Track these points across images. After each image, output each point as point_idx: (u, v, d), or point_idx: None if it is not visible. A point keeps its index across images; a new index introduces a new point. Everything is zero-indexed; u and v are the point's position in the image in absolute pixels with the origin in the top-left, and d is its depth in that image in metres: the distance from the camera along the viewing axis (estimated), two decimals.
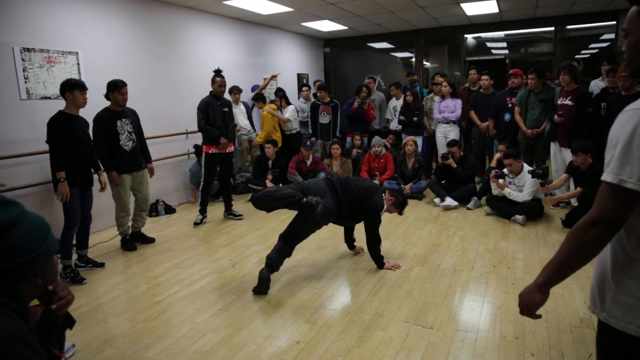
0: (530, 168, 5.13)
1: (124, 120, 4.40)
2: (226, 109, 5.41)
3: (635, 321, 1.15)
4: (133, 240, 4.66)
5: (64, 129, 3.78)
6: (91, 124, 4.20)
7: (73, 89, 3.79)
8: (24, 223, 1.16)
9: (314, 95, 7.89)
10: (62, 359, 1.28)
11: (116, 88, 4.27)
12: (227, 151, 5.45)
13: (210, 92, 5.31)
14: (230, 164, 5.63)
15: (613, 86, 4.84)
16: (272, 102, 7.45)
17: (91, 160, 4.07)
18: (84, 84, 3.89)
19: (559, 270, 1.25)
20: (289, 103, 7.34)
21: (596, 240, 1.14)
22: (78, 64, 4.99)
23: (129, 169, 4.47)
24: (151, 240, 4.82)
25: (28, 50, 4.49)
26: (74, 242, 4.06)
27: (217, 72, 5.30)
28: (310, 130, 7.41)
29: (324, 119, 7.21)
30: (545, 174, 4.76)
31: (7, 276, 1.13)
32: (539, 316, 1.37)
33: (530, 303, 1.32)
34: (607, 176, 1.12)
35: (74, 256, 4.04)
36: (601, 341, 1.28)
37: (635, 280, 1.15)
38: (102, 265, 4.15)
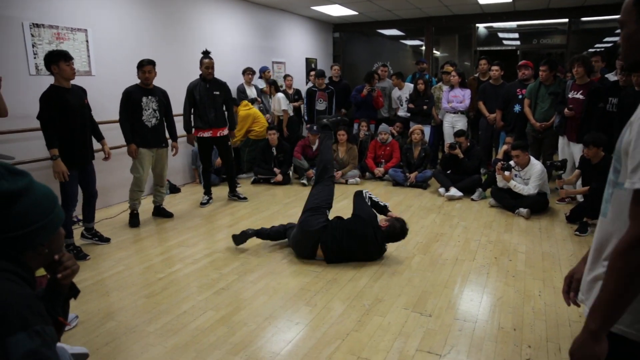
0: (538, 161, 5.11)
1: (150, 97, 4.57)
2: (217, 92, 5.26)
3: (634, 325, 1.11)
4: (137, 217, 4.73)
5: (56, 103, 3.65)
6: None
7: (57, 60, 3.62)
8: (32, 193, 1.18)
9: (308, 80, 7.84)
10: (66, 326, 1.31)
11: (140, 66, 4.49)
12: (220, 135, 5.35)
13: (200, 74, 5.23)
14: (227, 146, 5.51)
15: (626, 84, 4.76)
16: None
17: (90, 132, 4.01)
18: (67, 53, 3.71)
19: (613, 306, 1.06)
20: (278, 91, 7.29)
21: None
22: (87, 41, 4.98)
23: (149, 144, 4.60)
24: (170, 215, 4.97)
25: (37, 25, 4.48)
26: (80, 217, 4.10)
27: (205, 53, 5.19)
28: (306, 117, 7.36)
29: (320, 105, 7.17)
30: (563, 166, 4.74)
31: (15, 245, 1.15)
32: None
33: (590, 358, 1.09)
34: (635, 184, 1.01)
35: (77, 232, 4.09)
36: None
37: None
38: (107, 240, 4.21)
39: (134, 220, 4.68)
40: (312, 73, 7.95)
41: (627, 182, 1.05)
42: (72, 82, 3.81)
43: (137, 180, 4.62)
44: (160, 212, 4.98)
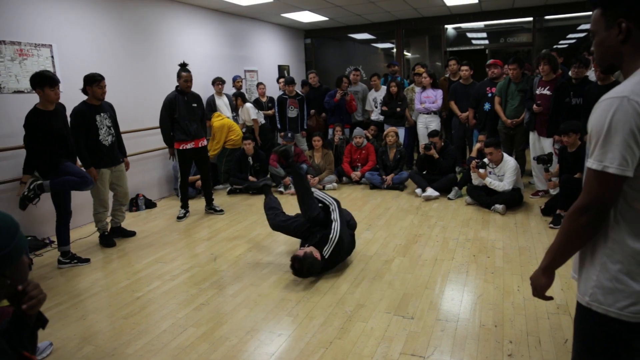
0: (511, 157, 5.20)
1: (102, 114, 4.33)
2: (194, 104, 5.22)
3: (616, 304, 1.22)
4: (112, 236, 4.59)
5: (38, 127, 3.65)
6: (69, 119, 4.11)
7: (43, 85, 3.61)
8: None
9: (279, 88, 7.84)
10: None
11: (94, 82, 4.18)
12: (201, 145, 5.32)
13: (177, 87, 5.15)
14: (206, 158, 5.49)
15: (576, 77, 4.91)
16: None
17: (73, 153, 3.99)
18: (52, 78, 3.67)
19: (557, 255, 1.33)
20: (245, 101, 7.27)
21: (587, 225, 1.22)
22: (52, 56, 4.86)
23: (108, 164, 4.41)
24: (132, 234, 4.78)
25: None
26: (54, 239, 3.99)
27: (183, 66, 5.12)
28: (278, 125, 7.34)
29: (292, 112, 7.16)
30: (549, 159, 4.84)
31: None
32: (550, 298, 1.47)
33: (538, 286, 1.42)
34: (592, 164, 1.19)
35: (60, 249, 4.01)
36: (581, 325, 1.33)
37: (617, 264, 1.21)
38: (87, 260, 4.09)
39: (107, 241, 4.52)
40: (282, 80, 7.92)
41: (587, 162, 1.23)
42: None
43: (100, 201, 4.42)
44: (122, 233, 4.74)
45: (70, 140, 3.97)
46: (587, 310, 1.28)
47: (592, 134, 1.21)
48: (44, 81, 3.62)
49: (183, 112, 5.12)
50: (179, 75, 5.09)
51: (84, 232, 4.88)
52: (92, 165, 4.25)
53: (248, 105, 7.22)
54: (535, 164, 5.26)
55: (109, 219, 4.61)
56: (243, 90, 7.73)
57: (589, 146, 1.25)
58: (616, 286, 1.22)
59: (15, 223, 1.21)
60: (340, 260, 3.68)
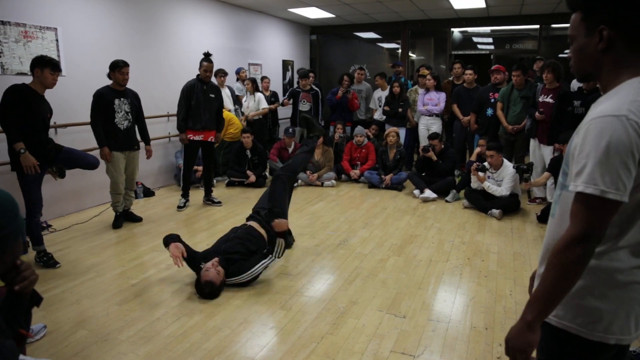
0: (510, 163, 5.23)
1: (122, 99, 4.49)
2: (212, 95, 5.29)
3: (575, 319, 1.18)
4: (121, 218, 4.69)
5: (22, 102, 3.44)
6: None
7: (44, 66, 3.54)
8: None
9: (297, 82, 7.82)
10: (28, 338, 1.26)
11: (117, 67, 4.38)
12: (209, 139, 5.34)
13: (198, 75, 5.22)
14: (212, 150, 5.56)
15: (587, 88, 4.92)
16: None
17: (47, 146, 3.71)
18: (57, 64, 3.65)
19: (548, 300, 1.13)
20: (256, 90, 7.27)
21: (583, 258, 1.07)
22: (57, 40, 4.85)
23: (121, 147, 4.53)
24: (139, 220, 4.86)
25: (3, 23, 4.35)
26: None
27: (206, 56, 5.17)
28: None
29: (304, 106, 7.16)
30: (529, 169, 4.86)
31: None
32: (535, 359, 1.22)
33: (523, 346, 1.16)
34: (585, 188, 1.05)
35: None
36: (544, 342, 1.24)
37: (581, 281, 1.15)
38: (56, 265, 3.70)
39: (116, 222, 4.66)
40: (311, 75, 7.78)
41: (571, 185, 1.10)
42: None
43: (113, 184, 4.57)
44: (129, 217, 4.85)
45: (46, 134, 3.73)
46: (546, 325, 1.21)
47: (580, 153, 1.08)
48: (49, 63, 3.58)
49: (200, 100, 5.18)
50: (200, 64, 5.17)
51: (83, 217, 4.90)
52: (106, 145, 4.38)
53: (260, 95, 7.23)
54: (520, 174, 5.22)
55: (103, 207, 4.68)
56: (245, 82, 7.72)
57: (570, 165, 1.14)
58: (576, 302, 1.17)
59: (16, 203, 1.22)
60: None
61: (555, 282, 1.10)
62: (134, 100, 4.63)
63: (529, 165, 4.91)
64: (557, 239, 1.14)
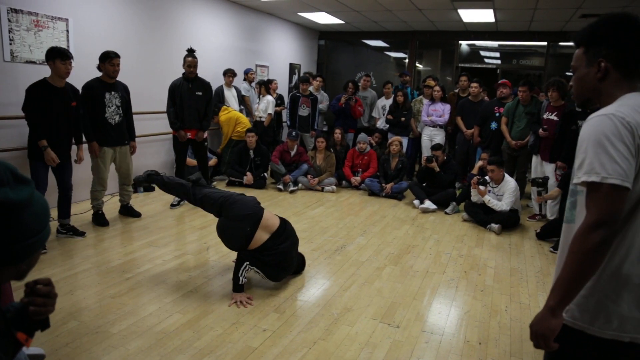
0: (512, 178, 5.22)
1: (113, 93, 4.36)
2: (199, 93, 5.16)
3: (595, 322, 1.25)
4: (104, 216, 4.58)
5: (40, 99, 3.66)
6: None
7: (55, 57, 3.65)
8: (33, 204, 1.04)
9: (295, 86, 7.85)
10: (24, 346, 1.20)
11: (107, 59, 4.23)
12: (195, 137, 5.28)
13: (183, 73, 5.14)
14: (203, 147, 5.46)
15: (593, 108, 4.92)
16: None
17: (70, 133, 4.00)
18: (65, 52, 3.71)
19: (569, 286, 1.19)
20: (268, 92, 7.28)
21: (601, 243, 1.14)
22: (67, 30, 4.87)
23: (111, 143, 4.42)
24: (138, 215, 4.82)
25: (15, 11, 4.36)
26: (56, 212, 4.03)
27: (190, 51, 5.07)
28: (288, 122, 7.34)
29: (303, 111, 7.14)
30: (544, 182, 4.86)
31: (10, 258, 1.01)
32: (557, 346, 1.26)
33: (546, 331, 1.23)
34: (588, 177, 1.17)
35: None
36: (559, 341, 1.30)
37: (593, 283, 1.25)
38: (83, 234, 4.14)
39: (100, 220, 4.51)
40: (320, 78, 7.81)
41: (575, 178, 1.22)
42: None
43: (99, 180, 4.43)
44: (128, 211, 4.82)
45: (69, 122, 3.94)
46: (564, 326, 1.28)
47: (580, 149, 1.23)
48: (57, 53, 3.67)
49: (184, 100, 5.10)
50: (184, 60, 5.09)
51: (80, 208, 4.88)
52: (95, 140, 4.29)
53: (270, 98, 7.25)
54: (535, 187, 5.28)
55: (105, 199, 4.62)
56: (254, 84, 7.74)
57: (576, 161, 1.26)
58: (591, 301, 1.25)
59: (49, 209, 1.14)
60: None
61: (576, 267, 1.17)
62: (124, 93, 4.49)
63: (545, 179, 4.91)
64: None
